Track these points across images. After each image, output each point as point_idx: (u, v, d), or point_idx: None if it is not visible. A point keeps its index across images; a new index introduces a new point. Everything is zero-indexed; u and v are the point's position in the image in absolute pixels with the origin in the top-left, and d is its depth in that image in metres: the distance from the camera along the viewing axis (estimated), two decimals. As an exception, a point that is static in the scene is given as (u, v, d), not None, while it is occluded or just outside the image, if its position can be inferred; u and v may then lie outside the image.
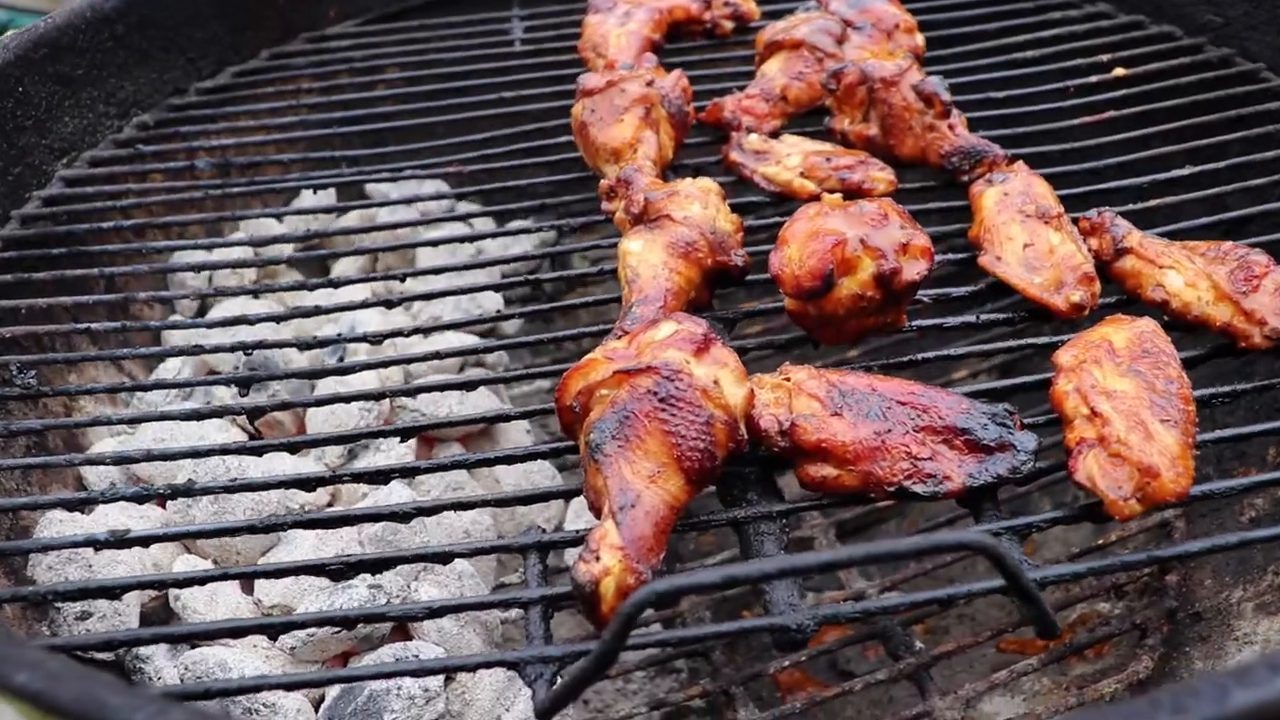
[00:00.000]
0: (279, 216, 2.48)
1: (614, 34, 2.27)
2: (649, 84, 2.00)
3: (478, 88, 2.39)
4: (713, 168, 2.08)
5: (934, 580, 2.14)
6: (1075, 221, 1.83)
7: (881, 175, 1.93)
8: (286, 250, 2.44)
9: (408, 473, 1.62)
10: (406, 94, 2.42)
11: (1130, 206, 1.93)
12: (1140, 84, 2.25)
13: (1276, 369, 1.61)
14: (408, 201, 2.25)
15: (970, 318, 1.73)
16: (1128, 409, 1.43)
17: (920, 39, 2.34)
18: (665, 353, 1.42)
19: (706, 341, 1.43)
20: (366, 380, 2.13)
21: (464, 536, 1.98)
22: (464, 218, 2.36)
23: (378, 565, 1.45)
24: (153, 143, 2.30)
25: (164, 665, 1.74)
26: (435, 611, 1.40)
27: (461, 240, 2.19)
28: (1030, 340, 1.70)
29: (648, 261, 1.68)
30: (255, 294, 2.33)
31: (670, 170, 2.06)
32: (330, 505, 2.06)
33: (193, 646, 1.76)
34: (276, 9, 2.55)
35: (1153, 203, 1.95)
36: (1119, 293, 1.76)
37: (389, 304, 1.94)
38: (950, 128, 1.98)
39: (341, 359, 2.23)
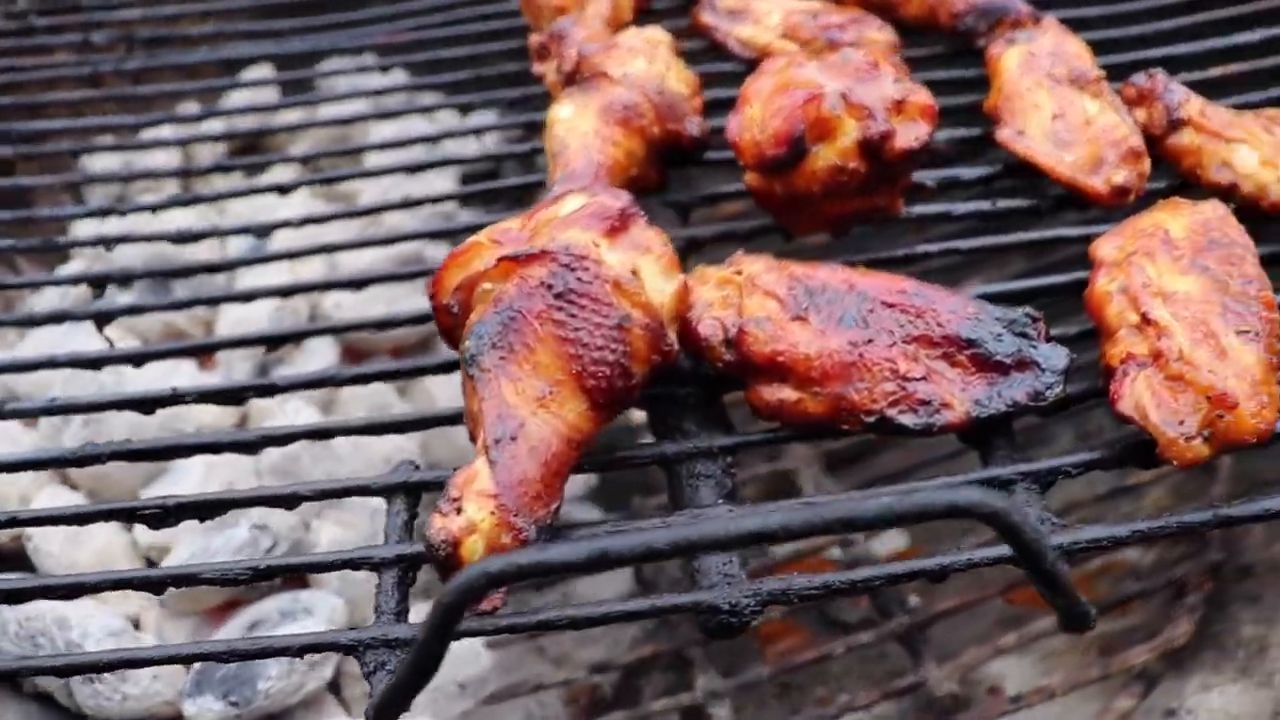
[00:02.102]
0: (205, 108, 2.02)
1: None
2: (603, -70, 1.53)
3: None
4: (685, 34, 1.60)
5: (931, 532, 1.69)
6: (1119, 91, 1.35)
7: (879, 36, 1.45)
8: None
9: (314, 384, 1.20)
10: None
11: (1185, 76, 1.44)
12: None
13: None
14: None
15: (985, 204, 1.26)
16: (1192, 315, 0.97)
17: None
18: (566, 233, 0.97)
19: (624, 218, 0.98)
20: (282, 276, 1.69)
21: (384, 466, 1.55)
22: (424, 110, 1.92)
23: (201, 509, 1.03)
24: (49, 14, 1.84)
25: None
26: (262, 573, 0.97)
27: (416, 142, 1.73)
28: (1060, 232, 1.23)
29: (577, 130, 1.23)
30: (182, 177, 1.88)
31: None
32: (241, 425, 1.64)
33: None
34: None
35: (1214, 72, 1.46)
36: (1173, 177, 1.29)
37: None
38: (965, -19, 1.49)
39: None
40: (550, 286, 0.94)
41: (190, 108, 2.02)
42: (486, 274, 0.97)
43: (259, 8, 1.98)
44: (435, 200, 1.52)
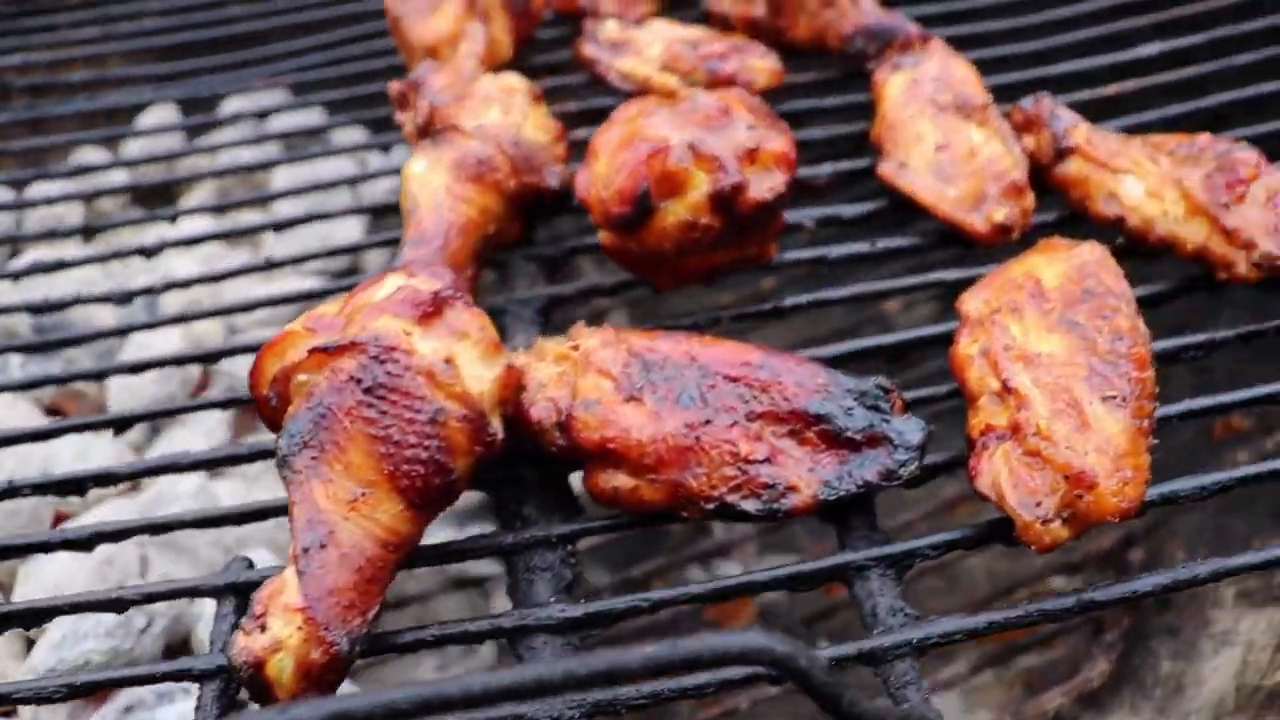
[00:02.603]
0: (108, 141, 1.92)
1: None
2: (477, -38, 1.43)
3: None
4: (569, 67, 1.51)
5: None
6: (1008, 115, 1.26)
7: (762, 65, 1.36)
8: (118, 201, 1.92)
9: (203, 465, 1.10)
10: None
11: (1082, 94, 1.35)
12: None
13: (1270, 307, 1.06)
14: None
15: (863, 245, 1.17)
16: (1055, 382, 0.88)
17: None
18: (378, 321, 0.88)
19: (438, 303, 0.89)
20: (173, 340, 1.60)
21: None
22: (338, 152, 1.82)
23: (26, 618, 0.95)
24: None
25: None
26: (78, 690, 0.89)
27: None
28: (939, 275, 1.14)
29: (428, 187, 1.14)
30: (84, 234, 1.79)
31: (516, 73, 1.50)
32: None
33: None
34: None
35: (1111, 89, 1.37)
36: (1064, 207, 1.20)
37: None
38: (853, 2, 1.40)
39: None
40: (359, 381, 0.85)
41: (87, 157, 1.92)
42: (300, 365, 0.89)
43: (154, 49, 1.88)
44: (343, 252, 1.40)
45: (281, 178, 1.93)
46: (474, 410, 0.87)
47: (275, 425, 0.93)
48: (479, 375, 0.88)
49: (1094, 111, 1.32)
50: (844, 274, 1.25)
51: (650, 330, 0.97)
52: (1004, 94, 1.34)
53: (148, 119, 1.98)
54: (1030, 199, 1.15)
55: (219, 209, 1.61)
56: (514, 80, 1.21)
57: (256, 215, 1.77)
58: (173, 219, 1.55)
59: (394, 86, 1.26)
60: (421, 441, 0.85)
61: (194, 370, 1.63)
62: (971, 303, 0.98)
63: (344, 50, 1.76)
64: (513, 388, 0.90)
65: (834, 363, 1.04)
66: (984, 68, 1.38)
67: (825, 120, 1.37)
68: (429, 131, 1.18)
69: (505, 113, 1.17)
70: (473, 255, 1.13)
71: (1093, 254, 1.01)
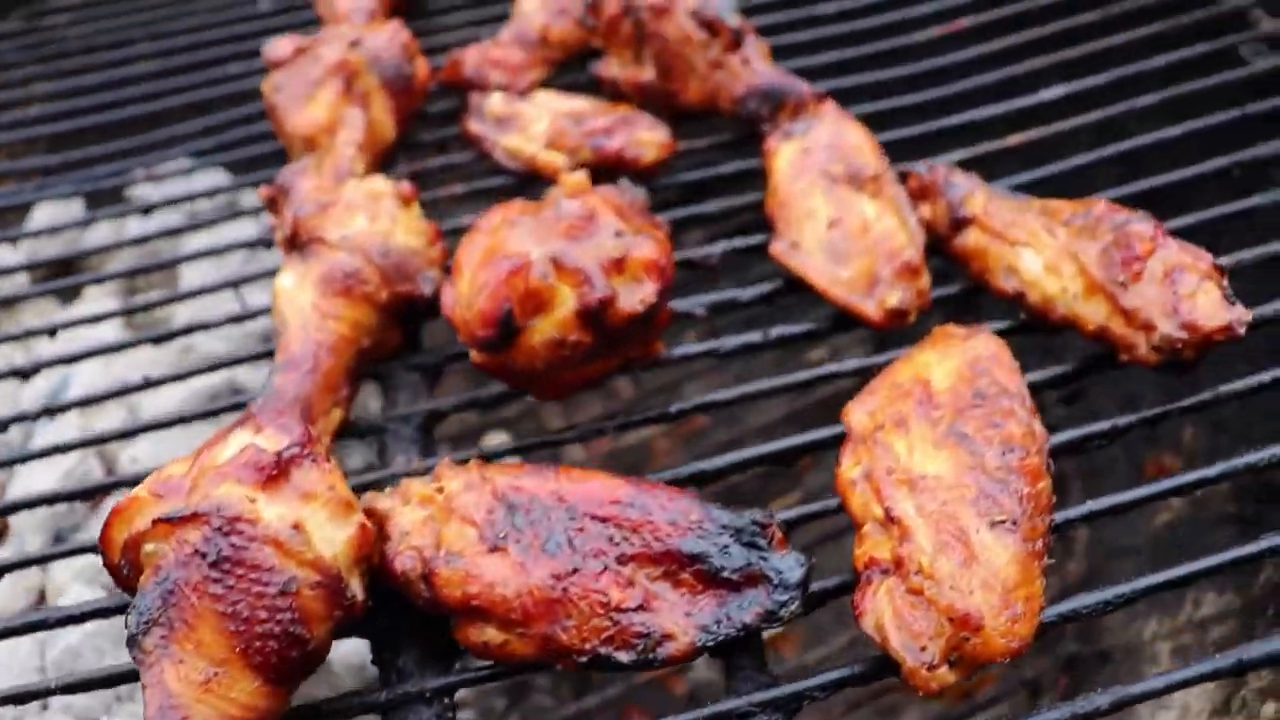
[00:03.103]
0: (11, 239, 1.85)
1: (346, -19, 1.63)
2: (353, 44, 1.37)
3: (217, 60, 1.75)
4: (458, 143, 1.46)
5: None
6: (904, 178, 1.21)
7: (649, 138, 1.30)
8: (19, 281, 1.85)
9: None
10: (136, 76, 1.79)
11: (984, 148, 1.31)
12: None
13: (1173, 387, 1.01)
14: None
15: (755, 336, 1.12)
16: (940, 509, 0.83)
17: (734, -54, 1.69)
18: (221, 487, 0.83)
19: (283, 465, 0.83)
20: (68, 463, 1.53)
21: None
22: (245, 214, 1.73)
23: None
24: None
25: None
26: None
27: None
28: (832, 368, 1.09)
29: (296, 304, 1.08)
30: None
31: (401, 151, 1.44)
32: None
33: None
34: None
35: (1013, 140, 1.32)
36: (965, 279, 1.15)
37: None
38: (744, 61, 1.35)
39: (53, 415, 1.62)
40: (204, 555, 0.80)
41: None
42: (146, 534, 0.83)
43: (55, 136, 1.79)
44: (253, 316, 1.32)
45: (188, 248, 1.87)
46: (328, 575, 0.82)
47: (133, 593, 0.88)
48: (330, 538, 0.83)
49: (997, 165, 1.28)
50: (737, 363, 1.20)
51: (517, 466, 0.92)
52: (903, 150, 1.30)
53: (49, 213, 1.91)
54: (925, 280, 1.10)
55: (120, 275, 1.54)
56: (380, 184, 1.15)
57: (158, 288, 1.71)
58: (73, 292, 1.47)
59: (263, 191, 1.20)
60: (273, 615, 0.80)
61: (96, 466, 1.57)
62: (856, 414, 0.93)
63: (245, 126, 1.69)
64: (370, 545, 0.85)
65: (721, 474, 1.00)
66: (881, 121, 1.34)
67: (719, 191, 1.32)
68: (296, 243, 1.12)
69: (372, 220, 1.11)
70: (346, 374, 1.07)
71: (987, 348, 0.96)
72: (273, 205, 1.21)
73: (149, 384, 1.23)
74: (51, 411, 1.28)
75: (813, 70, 1.46)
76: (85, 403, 1.28)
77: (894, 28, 1.55)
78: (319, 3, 1.66)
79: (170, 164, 1.87)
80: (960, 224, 1.13)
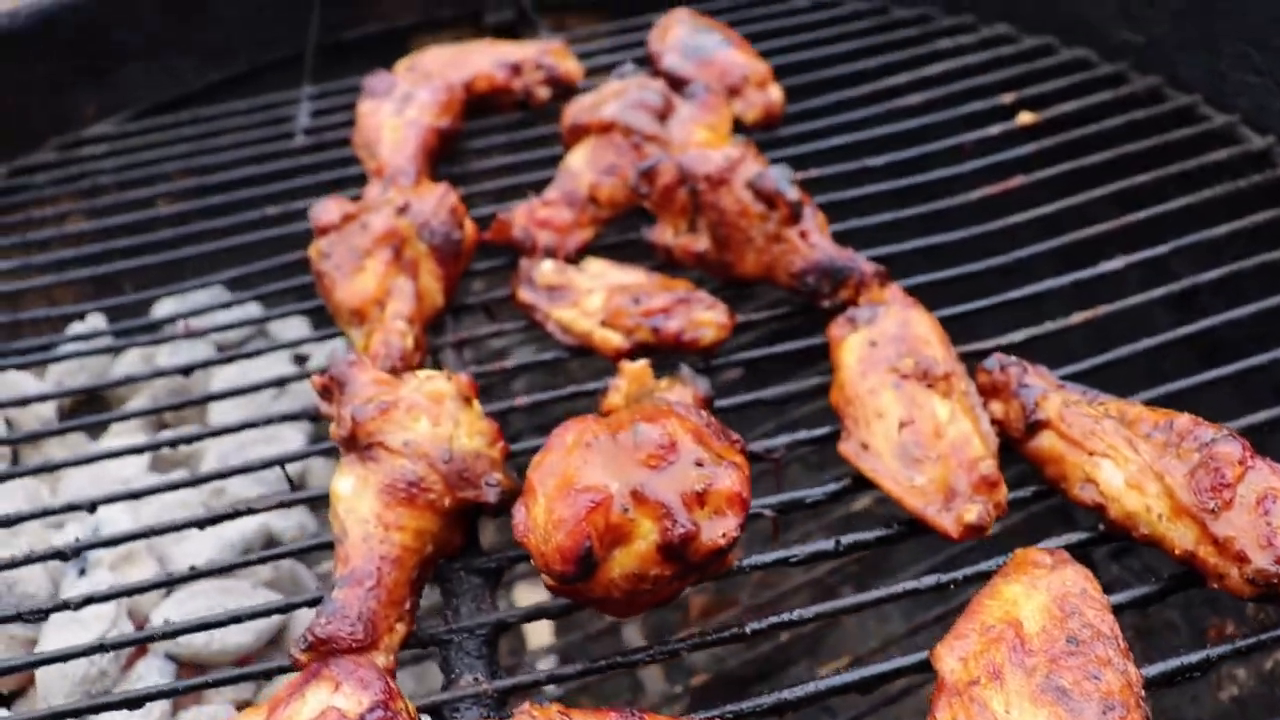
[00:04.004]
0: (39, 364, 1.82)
1: (388, 127, 1.61)
2: (401, 210, 1.35)
3: (250, 200, 1.73)
4: (506, 306, 1.43)
5: None
6: (973, 370, 1.19)
7: (709, 318, 1.28)
8: (45, 413, 1.82)
9: None
10: (170, 217, 1.77)
11: (1047, 327, 1.28)
12: (1053, 132, 1.58)
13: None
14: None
15: (826, 544, 1.09)
16: (1046, 784, 0.80)
17: (776, 92, 1.68)
18: (298, 764, 0.79)
19: (365, 732, 0.80)
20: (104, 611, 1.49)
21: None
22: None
23: None
24: None
25: None
26: None
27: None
28: (910, 585, 1.05)
29: (356, 513, 1.05)
30: None
31: (450, 316, 1.42)
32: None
33: None
34: (13, 111, 1.88)
35: (1077, 319, 1.30)
36: (1040, 480, 1.12)
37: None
38: (803, 235, 1.33)
39: (84, 571, 1.59)
40: (278, 838, 0.76)
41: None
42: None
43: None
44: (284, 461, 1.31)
45: (219, 380, 1.84)
46: None
47: None
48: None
49: (1061, 345, 1.26)
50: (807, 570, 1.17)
51: (600, 713, 0.88)
52: (963, 327, 1.27)
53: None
54: (1003, 492, 1.07)
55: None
56: (442, 384, 1.12)
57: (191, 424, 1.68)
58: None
59: (316, 381, 1.17)
60: None
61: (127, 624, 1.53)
62: (948, 662, 0.89)
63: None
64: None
65: (800, 702, 0.97)
66: (937, 294, 1.31)
67: (778, 370, 1.29)
68: (354, 445, 1.09)
69: (435, 423, 1.08)
70: (410, 586, 1.04)
71: (1075, 583, 0.94)
72: (326, 394, 1.18)
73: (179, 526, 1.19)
74: (83, 570, 1.25)
75: (866, 232, 1.44)
76: (114, 542, 1.25)
77: (945, 185, 1.53)
78: (359, 150, 1.65)
79: (202, 293, 1.85)
80: (1035, 427, 1.11)
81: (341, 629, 0.98)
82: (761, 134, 1.65)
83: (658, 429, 0.97)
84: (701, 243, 1.37)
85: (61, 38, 1.89)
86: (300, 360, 2.04)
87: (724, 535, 0.93)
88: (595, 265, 1.37)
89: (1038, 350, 1.23)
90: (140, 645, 1.55)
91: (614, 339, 1.28)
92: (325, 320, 1.48)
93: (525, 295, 1.37)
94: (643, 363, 1.18)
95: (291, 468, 1.70)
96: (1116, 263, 1.35)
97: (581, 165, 1.49)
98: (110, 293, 1.72)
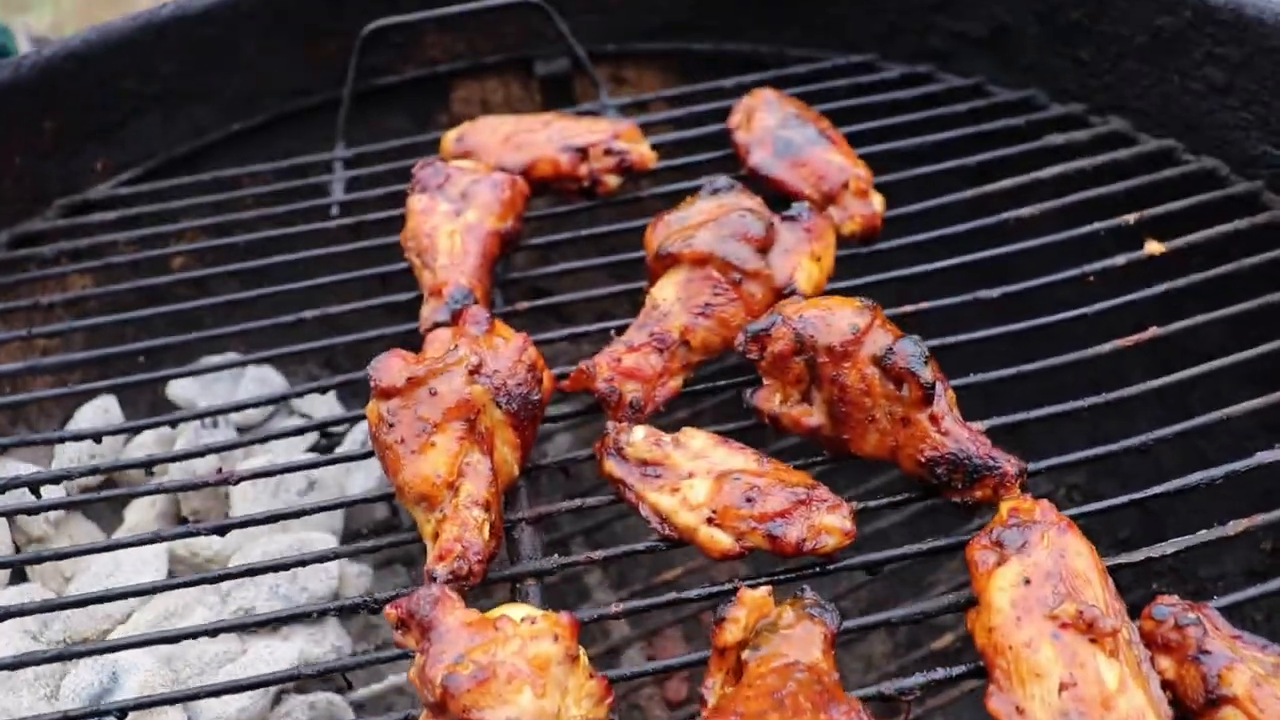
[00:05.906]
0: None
1: (444, 232, 1.42)
2: (474, 371, 1.18)
3: (286, 301, 1.53)
4: (588, 466, 1.27)
5: None
6: (1135, 610, 1.04)
7: (833, 524, 1.12)
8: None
9: None
10: (186, 284, 1.58)
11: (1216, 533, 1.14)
12: (1183, 268, 1.41)
13: None
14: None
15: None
16: None
17: (878, 202, 1.50)
18: None
19: None
20: None
21: None
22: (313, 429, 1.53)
23: None
24: None
25: None
26: None
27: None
28: None
29: (449, 801, 0.90)
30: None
31: (524, 481, 1.25)
32: None
33: None
34: (13, 170, 1.67)
35: (1245, 525, 1.15)
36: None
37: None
38: (934, 420, 1.16)
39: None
40: None
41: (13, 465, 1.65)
42: None
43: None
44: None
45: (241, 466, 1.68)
46: None
47: None
48: None
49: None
50: None
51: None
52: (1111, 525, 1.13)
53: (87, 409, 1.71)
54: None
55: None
56: (547, 647, 0.95)
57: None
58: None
59: (390, 613, 1.01)
60: None
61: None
62: None
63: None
64: None
65: None
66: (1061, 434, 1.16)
67: (906, 586, 1.14)
68: (443, 712, 0.93)
69: (540, 694, 0.92)
70: None
71: None
72: (402, 627, 1.02)
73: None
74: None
75: (984, 389, 1.29)
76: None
77: (1068, 328, 1.37)
78: (410, 253, 1.47)
79: (215, 358, 1.70)
80: (1216, 702, 0.96)
81: None
82: (858, 247, 1.49)
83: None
84: (816, 417, 1.21)
85: (66, 88, 1.67)
86: (328, 438, 1.88)
87: None
88: (696, 440, 1.20)
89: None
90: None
91: (723, 541, 1.12)
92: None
93: (614, 469, 1.20)
94: (764, 591, 1.03)
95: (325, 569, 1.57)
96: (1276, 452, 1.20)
97: (671, 303, 1.32)
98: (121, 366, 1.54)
